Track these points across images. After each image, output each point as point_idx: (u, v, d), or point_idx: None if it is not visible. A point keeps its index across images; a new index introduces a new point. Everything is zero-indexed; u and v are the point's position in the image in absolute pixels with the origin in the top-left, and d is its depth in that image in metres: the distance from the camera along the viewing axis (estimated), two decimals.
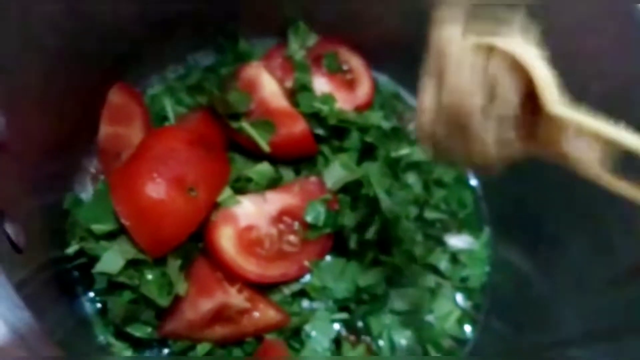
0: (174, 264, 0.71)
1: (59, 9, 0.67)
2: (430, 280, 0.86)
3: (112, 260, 0.68)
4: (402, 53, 0.94)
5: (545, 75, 0.49)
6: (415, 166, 0.91)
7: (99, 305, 0.78)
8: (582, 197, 0.75)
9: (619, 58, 0.70)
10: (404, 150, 0.91)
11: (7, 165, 0.60)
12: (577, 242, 0.77)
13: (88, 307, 0.78)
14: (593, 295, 0.72)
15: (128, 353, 0.76)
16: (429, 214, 0.90)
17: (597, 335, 0.70)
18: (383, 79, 1.01)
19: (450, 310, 0.85)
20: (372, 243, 0.80)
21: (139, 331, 0.73)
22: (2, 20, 0.59)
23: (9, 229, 0.57)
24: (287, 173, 0.84)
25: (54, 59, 0.70)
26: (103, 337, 0.76)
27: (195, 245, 0.76)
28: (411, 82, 0.98)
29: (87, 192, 0.82)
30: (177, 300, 0.72)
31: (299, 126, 0.82)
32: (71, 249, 0.72)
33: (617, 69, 0.70)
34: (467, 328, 0.87)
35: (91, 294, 0.78)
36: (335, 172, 0.82)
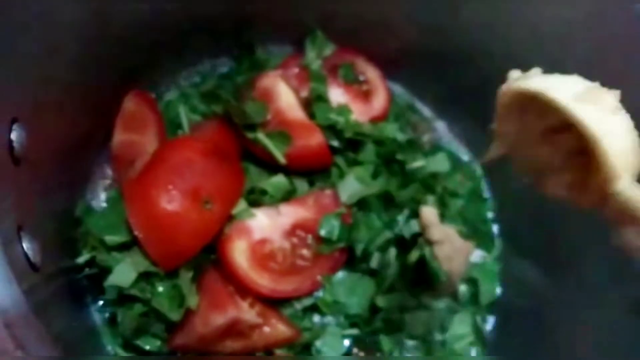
0: (185, 276, 0.71)
1: (79, 16, 0.66)
2: (446, 301, 0.85)
3: (124, 272, 0.67)
4: (418, 64, 0.94)
5: (610, 150, 0.48)
6: (431, 178, 0.90)
7: (107, 314, 0.77)
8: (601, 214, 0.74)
9: None
10: (419, 162, 0.89)
11: (24, 178, 0.59)
12: (595, 263, 0.75)
13: (97, 316, 0.77)
14: (611, 320, 0.70)
15: None
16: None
17: None
18: (398, 90, 0.99)
19: (464, 333, 0.84)
20: (394, 266, 0.79)
21: (148, 344, 0.72)
22: (25, 31, 0.58)
23: (28, 248, 0.56)
24: (301, 184, 0.83)
25: (73, 67, 0.69)
26: (111, 347, 0.75)
27: (207, 257, 0.75)
28: (426, 93, 0.99)
29: (99, 200, 0.81)
30: (188, 313, 0.71)
31: (316, 138, 0.80)
32: (82, 258, 0.72)
33: None
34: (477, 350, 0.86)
35: (100, 303, 0.77)
36: (350, 186, 0.81)
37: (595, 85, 0.54)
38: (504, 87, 0.58)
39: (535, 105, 0.54)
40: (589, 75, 0.72)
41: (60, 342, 0.62)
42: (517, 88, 0.56)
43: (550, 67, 0.76)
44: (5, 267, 0.50)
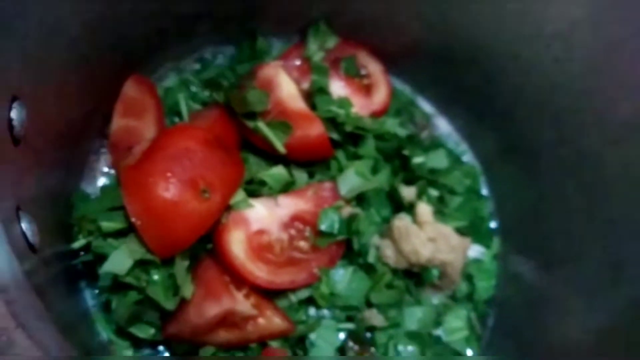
0: (181, 265, 0.70)
1: None
2: (441, 297, 0.85)
3: (119, 260, 0.66)
4: (422, 60, 0.94)
5: None
6: (431, 174, 0.89)
7: (102, 300, 0.76)
8: (601, 215, 0.74)
9: None
10: (419, 158, 0.88)
11: (23, 158, 0.58)
12: (593, 262, 0.75)
13: (91, 301, 0.77)
14: (608, 319, 0.70)
15: (129, 352, 0.74)
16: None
17: None
18: (400, 85, 0.99)
19: (458, 327, 0.84)
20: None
21: (142, 332, 0.71)
22: (27, 5, 0.57)
23: (27, 228, 0.55)
24: (301, 176, 0.82)
25: (74, 48, 0.68)
26: (105, 334, 0.75)
27: (203, 246, 0.74)
28: (428, 89, 0.98)
29: (95, 186, 0.81)
30: (183, 302, 0.70)
31: (316, 129, 0.79)
32: (77, 244, 0.71)
33: None
34: (472, 345, 0.86)
35: (95, 289, 0.77)
36: (350, 180, 0.80)
37: None
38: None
39: None
40: (594, 77, 0.73)
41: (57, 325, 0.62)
42: None
43: (555, 68, 0.77)
44: (6, 246, 0.49)
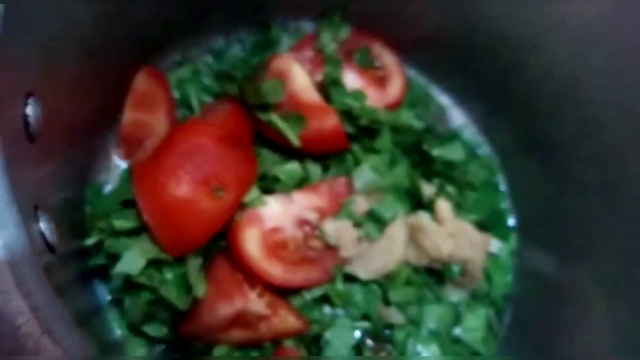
0: (193, 264, 0.69)
1: None
2: (462, 294, 0.83)
3: (132, 260, 0.65)
4: (439, 51, 0.92)
5: None
6: (448, 167, 0.87)
7: (114, 295, 0.75)
8: (622, 211, 0.73)
9: None
10: (436, 151, 0.86)
11: (39, 156, 0.57)
12: (614, 259, 0.74)
13: (104, 297, 0.76)
14: (629, 318, 0.69)
15: (142, 349, 0.74)
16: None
17: None
18: (414, 75, 0.96)
19: (476, 326, 0.82)
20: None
21: (155, 331, 0.71)
22: (43, 4, 0.56)
23: (45, 227, 0.54)
24: (315, 169, 0.80)
25: (89, 43, 0.66)
26: (120, 331, 0.74)
27: (216, 244, 0.73)
28: (444, 80, 0.96)
29: (107, 181, 0.79)
30: (195, 301, 0.69)
31: (331, 121, 0.77)
32: (90, 240, 0.70)
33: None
34: (490, 343, 0.84)
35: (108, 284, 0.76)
36: (365, 175, 0.78)
37: None
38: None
39: None
40: (617, 71, 0.71)
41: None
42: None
43: (576, 60, 0.75)
44: (29, 248, 0.47)
